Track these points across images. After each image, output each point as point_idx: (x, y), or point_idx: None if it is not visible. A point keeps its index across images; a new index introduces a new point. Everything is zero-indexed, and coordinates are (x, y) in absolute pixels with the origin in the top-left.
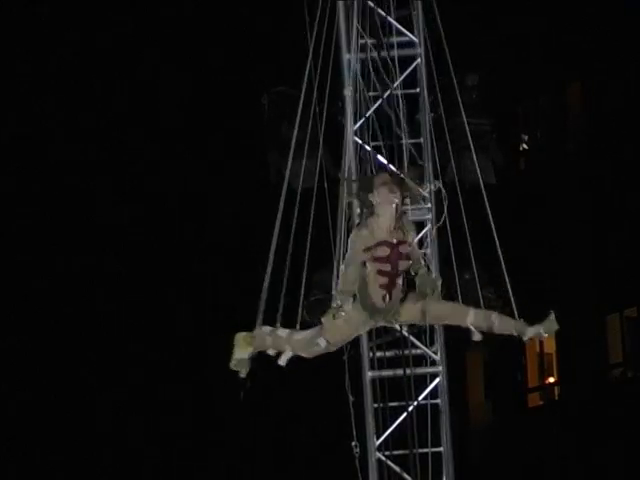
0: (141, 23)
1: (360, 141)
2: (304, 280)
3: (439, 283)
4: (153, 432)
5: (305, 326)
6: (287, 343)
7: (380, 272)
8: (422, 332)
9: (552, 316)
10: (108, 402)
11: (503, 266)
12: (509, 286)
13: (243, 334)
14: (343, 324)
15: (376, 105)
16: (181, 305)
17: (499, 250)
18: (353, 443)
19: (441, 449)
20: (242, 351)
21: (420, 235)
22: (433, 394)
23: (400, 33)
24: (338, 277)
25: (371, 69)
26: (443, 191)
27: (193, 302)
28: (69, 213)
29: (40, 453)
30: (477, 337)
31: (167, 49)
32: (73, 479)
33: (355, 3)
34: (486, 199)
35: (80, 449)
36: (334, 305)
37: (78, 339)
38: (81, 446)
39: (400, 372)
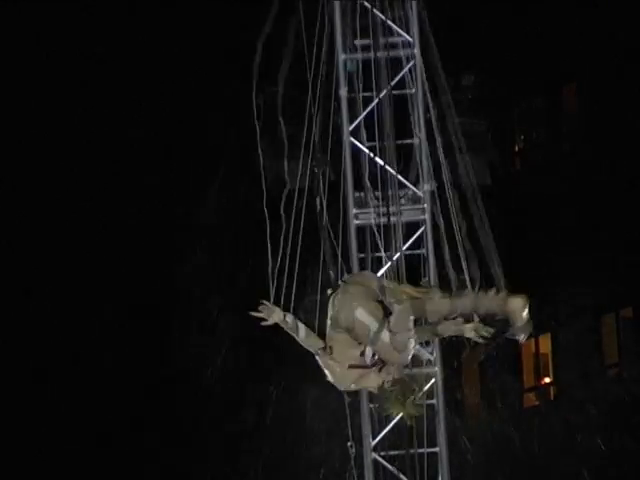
0: (136, 24)
1: (356, 142)
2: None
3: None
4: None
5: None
6: None
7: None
8: None
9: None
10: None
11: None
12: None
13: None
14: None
15: (371, 106)
16: (177, 305)
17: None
18: (349, 443)
19: (437, 449)
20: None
21: (416, 235)
22: (429, 394)
23: (395, 33)
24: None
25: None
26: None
27: (191, 302)
28: (68, 216)
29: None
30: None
31: (164, 50)
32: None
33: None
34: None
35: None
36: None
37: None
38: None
39: None
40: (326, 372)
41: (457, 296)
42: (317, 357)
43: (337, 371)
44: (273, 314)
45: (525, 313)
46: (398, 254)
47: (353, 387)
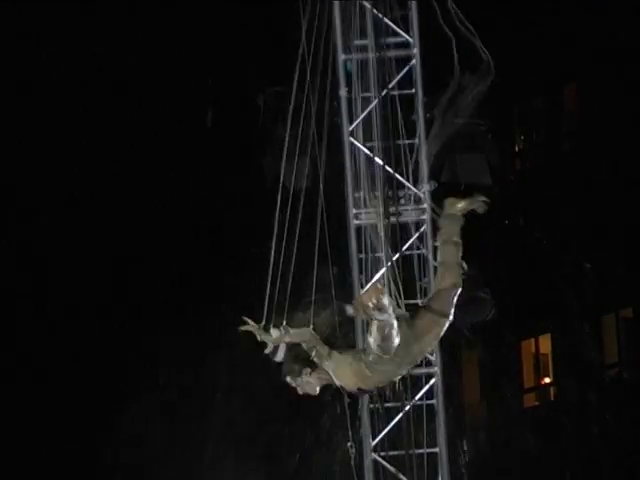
0: (136, 24)
1: (355, 142)
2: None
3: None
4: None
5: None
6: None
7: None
8: None
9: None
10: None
11: None
12: None
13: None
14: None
15: (371, 106)
16: (181, 306)
17: None
18: (349, 444)
19: (437, 450)
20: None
21: (416, 235)
22: (429, 395)
23: (395, 33)
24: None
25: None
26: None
27: (193, 302)
28: (71, 215)
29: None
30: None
31: (163, 49)
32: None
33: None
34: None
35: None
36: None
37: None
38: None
39: None
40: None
41: (445, 258)
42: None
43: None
44: (269, 339)
45: (452, 202)
46: (398, 254)
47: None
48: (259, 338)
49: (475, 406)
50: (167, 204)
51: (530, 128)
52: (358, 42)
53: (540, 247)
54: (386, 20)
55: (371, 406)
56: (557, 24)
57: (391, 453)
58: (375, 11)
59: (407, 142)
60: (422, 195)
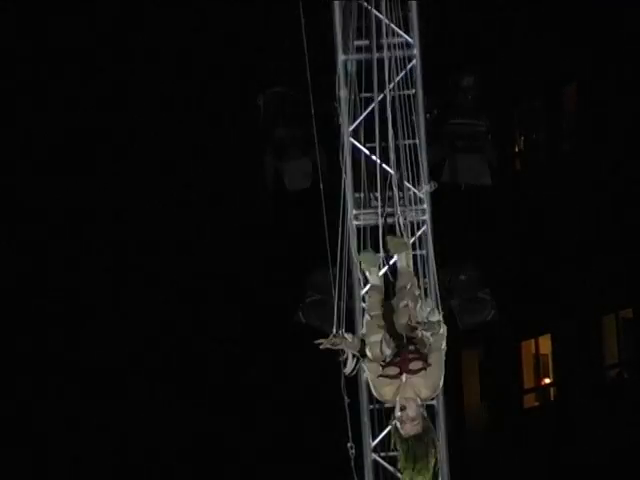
0: (136, 22)
1: (356, 142)
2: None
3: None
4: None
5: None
6: None
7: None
8: None
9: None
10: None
11: None
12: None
13: None
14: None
15: (371, 106)
16: (181, 306)
17: None
18: (349, 444)
19: None
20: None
21: (416, 236)
22: None
23: (396, 34)
24: (334, 280)
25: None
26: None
27: (192, 303)
28: (71, 216)
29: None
30: None
31: (163, 49)
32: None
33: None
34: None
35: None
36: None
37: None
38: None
39: None
40: (371, 385)
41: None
42: (365, 365)
43: (374, 379)
44: (344, 342)
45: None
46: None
47: (389, 398)
48: (340, 346)
49: (475, 407)
50: (167, 204)
51: (530, 128)
52: (358, 42)
53: (540, 247)
54: (386, 20)
55: (371, 406)
56: (557, 24)
57: (391, 453)
58: (375, 11)
59: (408, 142)
60: (422, 196)
